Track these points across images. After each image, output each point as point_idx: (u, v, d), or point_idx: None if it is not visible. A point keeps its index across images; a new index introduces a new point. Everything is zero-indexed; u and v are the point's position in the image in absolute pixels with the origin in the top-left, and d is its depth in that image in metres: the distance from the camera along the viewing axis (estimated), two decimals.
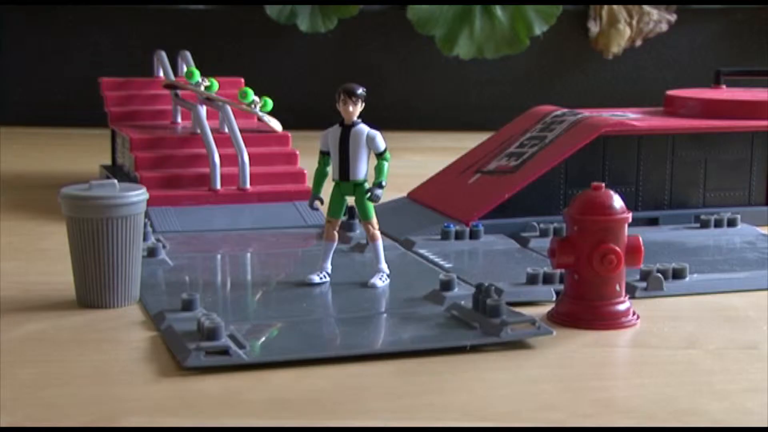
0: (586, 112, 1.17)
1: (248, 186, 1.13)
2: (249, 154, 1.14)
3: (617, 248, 0.77)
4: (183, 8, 1.95)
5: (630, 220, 0.78)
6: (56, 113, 1.96)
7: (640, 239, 0.79)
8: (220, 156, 1.13)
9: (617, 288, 0.79)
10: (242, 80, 1.34)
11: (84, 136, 1.81)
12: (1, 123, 1.97)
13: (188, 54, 1.32)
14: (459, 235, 1.01)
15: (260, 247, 1.02)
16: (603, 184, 0.79)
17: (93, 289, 0.81)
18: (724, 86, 1.32)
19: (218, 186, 1.12)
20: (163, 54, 1.33)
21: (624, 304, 0.79)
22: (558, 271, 0.85)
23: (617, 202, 0.78)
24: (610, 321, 0.78)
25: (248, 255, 0.99)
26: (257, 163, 1.15)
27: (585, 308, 0.79)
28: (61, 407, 0.62)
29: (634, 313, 0.80)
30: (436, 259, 0.95)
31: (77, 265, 0.82)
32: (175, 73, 1.32)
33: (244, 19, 1.94)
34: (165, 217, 1.08)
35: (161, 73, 1.33)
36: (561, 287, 0.84)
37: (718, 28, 1.99)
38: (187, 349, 0.69)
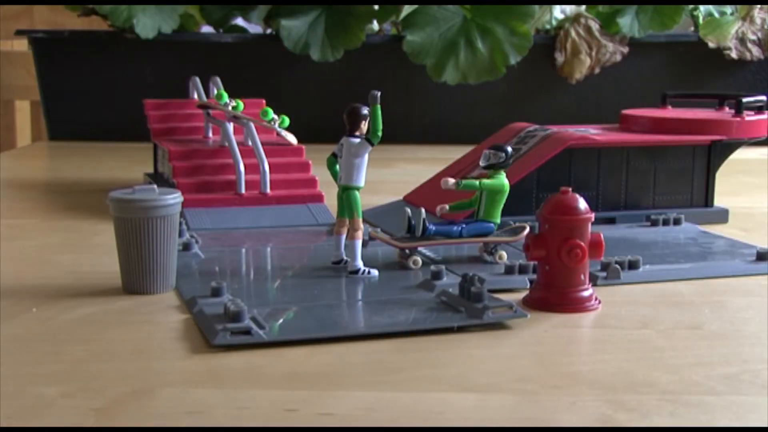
0: (554, 128, 1.16)
1: (268, 191, 1.12)
2: (269, 164, 1.13)
3: (582, 243, 0.76)
4: (214, 41, 1.94)
5: (593, 219, 0.77)
6: (108, 130, 1.95)
7: (602, 236, 0.78)
8: (244, 165, 1.12)
9: (582, 277, 0.78)
10: (264, 101, 1.33)
11: (131, 149, 1.80)
12: (64, 138, 1.97)
13: (218, 79, 1.31)
14: None
15: (278, 242, 1.01)
16: (570, 189, 0.78)
17: (136, 278, 0.80)
18: (669, 107, 1.30)
19: (243, 190, 1.11)
20: (197, 79, 1.32)
21: (588, 291, 0.78)
22: (531, 263, 0.84)
23: (582, 204, 0.77)
24: (576, 305, 0.77)
25: (268, 249, 0.98)
26: (276, 171, 1.14)
27: (555, 294, 0.77)
28: (106, 379, 0.61)
29: (596, 299, 0.79)
30: (428, 253, 0.94)
31: (122, 258, 0.80)
32: (207, 96, 1.30)
33: (265, 49, 1.93)
34: (198, 216, 1.07)
35: (195, 96, 1.31)
36: (534, 276, 0.83)
37: (663, 58, 1.98)
38: (215, 329, 0.68)
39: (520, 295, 0.80)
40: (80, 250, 0.98)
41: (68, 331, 0.71)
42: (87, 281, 0.85)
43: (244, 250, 0.97)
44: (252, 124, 1.17)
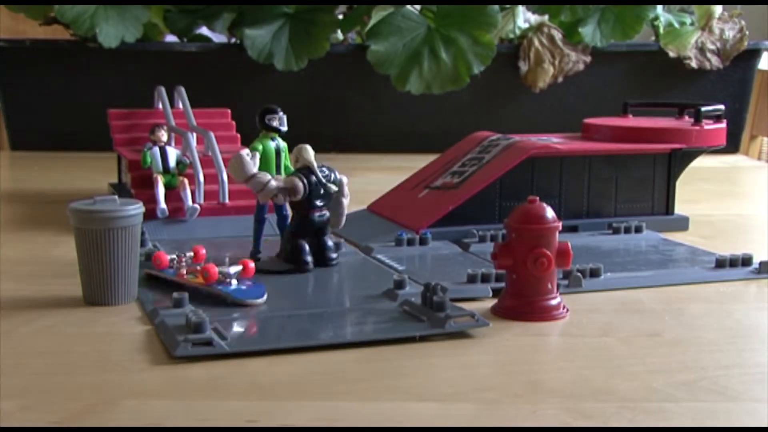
0: (517, 137, 1.17)
1: (227, 201, 1.11)
2: (227, 174, 1.12)
3: (548, 252, 0.76)
4: (178, 50, 1.93)
5: (560, 228, 0.77)
6: (71, 140, 1.93)
7: (569, 245, 0.78)
8: (204, 176, 1.11)
9: (549, 286, 0.78)
10: (228, 111, 1.32)
11: (94, 158, 1.78)
12: (25, 148, 1.95)
13: (182, 89, 1.30)
14: (410, 242, 1.00)
15: (239, 252, 1.00)
16: (537, 198, 0.78)
17: (97, 289, 0.79)
18: (630, 116, 1.32)
19: (202, 201, 1.10)
20: (163, 89, 1.31)
21: (556, 300, 0.78)
22: (494, 271, 0.84)
23: (549, 213, 0.77)
24: (544, 314, 0.77)
25: (230, 259, 0.97)
26: (234, 181, 1.12)
27: (522, 303, 0.78)
28: (67, 392, 0.60)
29: (564, 307, 0.79)
30: (391, 262, 0.94)
31: (83, 269, 0.80)
32: (172, 105, 1.29)
33: (229, 59, 1.92)
34: (156, 227, 1.06)
35: (160, 105, 1.30)
36: (497, 285, 0.83)
37: (624, 67, 2.00)
38: (176, 341, 0.68)
39: (484, 304, 0.81)
40: (41, 262, 0.97)
41: (28, 344, 0.70)
42: (48, 293, 0.84)
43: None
44: (212, 134, 1.16)
